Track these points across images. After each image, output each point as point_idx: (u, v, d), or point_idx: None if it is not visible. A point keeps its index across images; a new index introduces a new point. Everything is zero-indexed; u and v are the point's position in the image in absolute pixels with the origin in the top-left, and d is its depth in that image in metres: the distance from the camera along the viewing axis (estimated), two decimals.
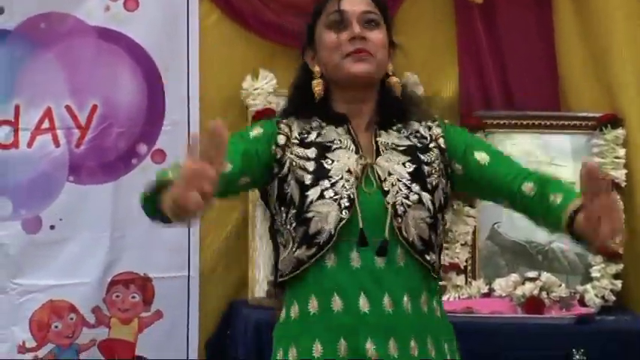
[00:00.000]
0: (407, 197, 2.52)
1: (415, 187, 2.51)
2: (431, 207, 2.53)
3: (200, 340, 4.07)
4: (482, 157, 2.59)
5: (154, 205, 2.26)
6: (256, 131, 2.57)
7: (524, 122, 4.31)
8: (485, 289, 4.09)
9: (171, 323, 4.06)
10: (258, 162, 2.53)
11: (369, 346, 2.53)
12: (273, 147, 2.52)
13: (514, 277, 3.95)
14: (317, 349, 2.53)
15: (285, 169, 2.55)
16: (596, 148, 4.24)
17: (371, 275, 2.51)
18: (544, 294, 3.91)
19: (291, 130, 2.58)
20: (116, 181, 4.01)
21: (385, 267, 2.52)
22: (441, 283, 3.59)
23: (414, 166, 2.54)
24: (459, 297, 4.11)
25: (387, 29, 2.62)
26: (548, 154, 4.28)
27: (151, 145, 4.11)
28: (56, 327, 3.97)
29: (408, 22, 4.14)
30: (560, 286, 3.91)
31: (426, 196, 2.52)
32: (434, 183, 2.56)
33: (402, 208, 2.50)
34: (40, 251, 4.04)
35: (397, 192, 2.53)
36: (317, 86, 2.56)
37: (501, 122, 4.27)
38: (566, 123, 4.30)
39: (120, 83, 4.04)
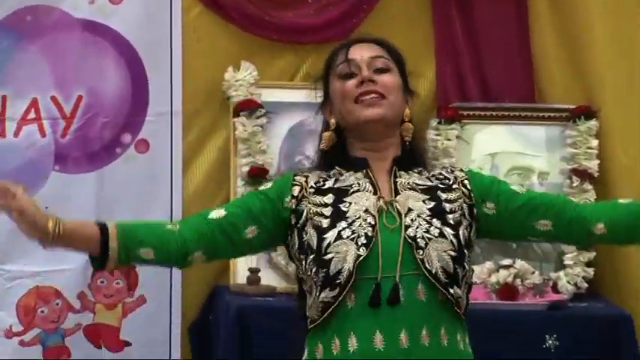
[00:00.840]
0: (427, 231, 2.45)
1: (436, 222, 2.44)
2: (454, 240, 2.44)
3: (183, 325, 4.10)
4: (516, 187, 2.57)
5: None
6: (268, 185, 2.55)
7: (500, 113, 4.28)
8: None
9: (155, 308, 4.07)
10: (266, 212, 2.49)
11: None
12: (287, 198, 2.48)
13: (489, 264, 3.94)
14: None
15: (303, 219, 2.50)
16: (570, 138, 4.25)
17: (389, 312, 2.44)
18: (518, 281, 3.92)
19: (307, 181, 2.55)
20: (101, 170, 4.02)
21: (405, 302, 2.43)
22: None
23: (434, 203, 2.49)
24: None
25: (401, 74, 2.55)
26: (523, 145, 4.29)
27: (135, 134, 4.11)
28: (42, 312, 3.98)
29: (386, 16, 4.21)
30: (534, 273, 3.93)
31: (448, 231, 2.45)
32: (456, 219, 2.49)
33: (422, 241, 2.43)
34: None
35: (418, 226, 2.45)
36: (326, 138, 2.53)
37: (477, 114, 4.27)
38: (541, 114, 4.31)
39: (105, 75, 4.04)
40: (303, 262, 2.49)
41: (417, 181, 2.51)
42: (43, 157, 4.08)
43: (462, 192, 2.51)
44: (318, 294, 2.44)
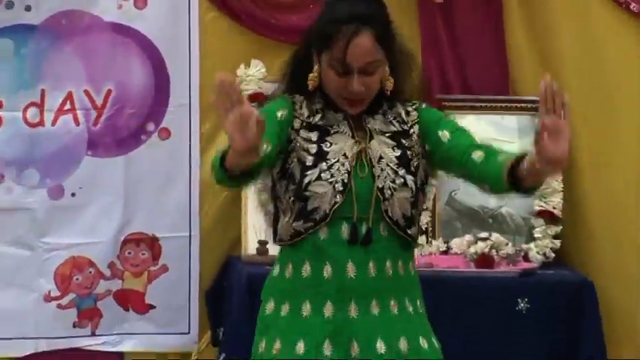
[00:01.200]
0: (393, 181, 2.66)
1: (401, 171, 2.66)
2: (414, 187, 2.67)
3: (200, 290, 4.29)
4: (444, 134, 2.70)
5: (220, 171, 2.36)
6: (281, 112, 2.66)
7: (478, 105, 4.47)
8: (443, 248, 4.30)
9: (176, 276, 4.27)
10: (283, 130, 2.65)
11: (353, 307, 2.69)
12: (290, 129, 2.66)
13: (468, 237, 4.16)
14: (306, 308, 2.69)
15: (290, 147, 2.68)
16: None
17: (360, 247, 2.67)
18: (494, 252, 4.12)
19: (302, 113, 2.71)
20: (127, 154, 4.22)
21: (374, 238, 2.68)
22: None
23: (400, 151, 2.69)
24: (421, 254, 4.23)
25: (388, 52, 2.67)
26: (498, 132, 4.43)
27: (158, 123, 4.28)
28: (77, 279, 4.18)
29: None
30: (508, 244, 4.14)
31: (409, 179, 2.66)
32: (415, 164, 2.70)
33: (389, 191, 2.65)
34: (63, 215, 4.26)
35: (386, 176, 2.67)
36: (312, 80, 2.66)
37: (458, 105, 4.43)
38: (514, 105, 4.51)
39: (131, 71, 4.24)
40: (283, 187, 2.69)
41: (383, 127, 2.72)
42: (77, 143, 4.25)
43: (416, 135, 2.73)
44: (291, 221, 2.66)
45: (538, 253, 4.20)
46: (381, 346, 2.73)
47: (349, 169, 2.62)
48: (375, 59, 2.59)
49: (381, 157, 2.67)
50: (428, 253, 4.38)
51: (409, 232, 2.68)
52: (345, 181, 2.63)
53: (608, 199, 4.60)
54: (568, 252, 4.38)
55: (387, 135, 2.72)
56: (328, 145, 2.65)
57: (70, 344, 4.28)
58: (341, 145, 2.66)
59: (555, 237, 4.24)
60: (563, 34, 4.54)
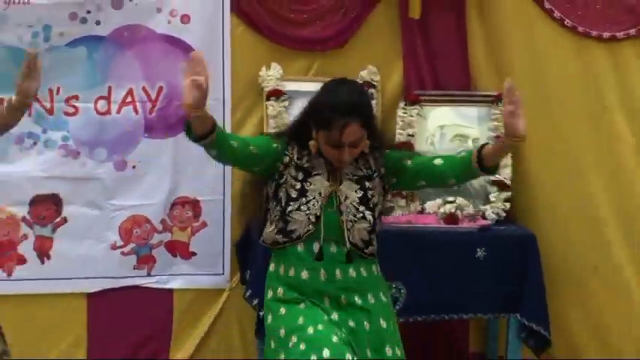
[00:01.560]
0: (355, 215, 3.25)
1: (361, 208, 3.27)
2: (371, 219, 3.26)
3: (231, 242, 4.69)
4: (407, 162, 3.30)
5: (187, 131, 3.02)
6: (276, 145, 3.22)
7: (446, 98, 4.87)
8: (419, 209, 4.67)
9: (213, 230, 4.68)
10: (269, 154, 3.19)
11: (327, 300, 3.27)
12: (279, 162, 3.21)
13: (438, 200, 4.62)
14: (293, 295, 3.26)
15: (282, 181, 3.24)
16: (494, 115, 4.79)
17: (327, 260, 3.23)
18: (458, 212, 4.59)
19: (293, 154, 3.25)
20: (175, 137, 4.57)
21: (337, 254, 3.24)
22: (390, 204, 4.30)
23: (362, 192, 3.29)
24: (402, 214, 4.64)
25: (368, 126, 3.19)
26: (462, 120, 4.85)
27: None
28: (136, 232, 4.57)
29: (369, 33, 4.74)
30: (469, 206, 4.62)
31: (368, 213, 3.27)
32: (374, 202, 3.29)
33: (350, 223, 3.23)
34: (126, 183, 4.62)
35: (349, 212, 3.25)
36: (314, 147, 3.19)
37: (431, 98, 4.84)
38: (474, 98, 4.88)
39: (177, 72, 4.47)
40: (273, 205, 3.29)
41: (353, 171, 3.30)
42: (136, 128, 4.62)
43: (379, 178, 3.31)
44: (274, 233, 3.27)
45: (493, 213, 4.62)
46: (361, 325, 3.25)
47: (322, 206, 3.24)
48: (361, 137, 3.15)
49: (346, 197, 3.27)
50: (408, 212, 4.72)
51: (366, 251, 3.28)
52: (318, 214, 3.23)
53: (548, 173, 4.90)
54: (516, 212, 4.76)
55: (354, 179, 3.29)
56: (309, 184, 3.25)
57: (130, 282, 4.67)
58: (318, 186, 3.25)
59: (506, 200, 4.65)
60: (513, 47, 4.86)
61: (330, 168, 3.35)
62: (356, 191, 3.34)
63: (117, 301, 4.69)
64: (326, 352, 3.12)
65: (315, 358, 3.16)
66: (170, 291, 4.71)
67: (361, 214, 3.30)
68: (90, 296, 4.63)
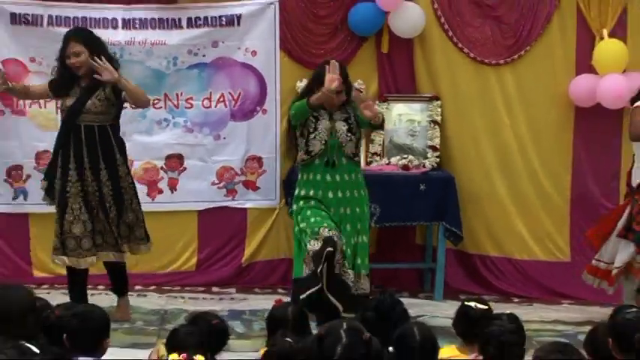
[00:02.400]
0: (344, 138, 4.48)
1: (349, 135, 4.52)
2: (354, 139, 4.53)
3: (280, 180, 5.77)
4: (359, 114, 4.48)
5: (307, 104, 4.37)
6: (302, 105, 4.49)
7: (402, 97, 5.92)
8: (387, 162, 5.72)
9: (269, 174, 5.75)
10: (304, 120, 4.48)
11: (330, 193, 4.46)
12: (307, 119, 4.46)
13: (398, 157, 5.69)
14: (309, 193, 4.47)
15: (305, 124, 4.49)
16: (429, 111, 5.80)
17: (335, 175, 4.48)
18: (409, 163, 5.66)
19: (312, 115, 4.48)
20: (248, 120, 5.74)
21: (338, 164, 4.49)
22: (368, 159, 5.59)
23: (347, 125, 4.55)
24: (377, 165, 5.67)
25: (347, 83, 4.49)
26: (411, 111, 5.92)
27: (261, 107, 5.82)
28: (226, 176, 5.73)
29: (360, 59, 5.78)
30: (416, 160, 5.69)
31: (351, 136, 4.52)
32: (354, 130, 4.57)
33: (344, 142, 4.47)
34: (220, 147, 5.75)
35: (342, 137, 4.48)
36: (315, 101, 4.43)
37: (394, 98, 5.87)
38: (418, 98, 5.91)
39: (249, 83, 5.70)
40: (300, 138, 4.49)
41: (340, 116, 4.53)
42: (225, 115, 5.74)
43: (354, 116, 4.52)
44: (302, 154, 4.50)
45: (429, 164, 5.73)
46: (346, 210, 4.60)
47: (327, 135, 4.48)
48: (341, 90, 4.44)
49: (340, 130, 4.53)
50: (379, 164, 5.74)
51: (355, 159, 4.51)
52: (325, 140, 4.49)
53: (460, 145, 5.99)
54: (442, 164, 5.85)
55: (342, 118, 4.56)
56: (319, 124, 4.53)
57: (222, 204, 5.81)
58: (324, 125, 4.54)
59: (437, 157, 5.79)
60: (440, 69, 5.93)
61: (328, 115, 4.55)
62: (344, 125, 4.63)
63: (214, 216, 5.89)
64: (327, 223, 4.48)
65: (321, 224, 4.44)
66: (245, 209, 5.90)
67: (348, 138, 4.61)
68: (199, 213, 5.87)
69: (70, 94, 4.83)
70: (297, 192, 4.70)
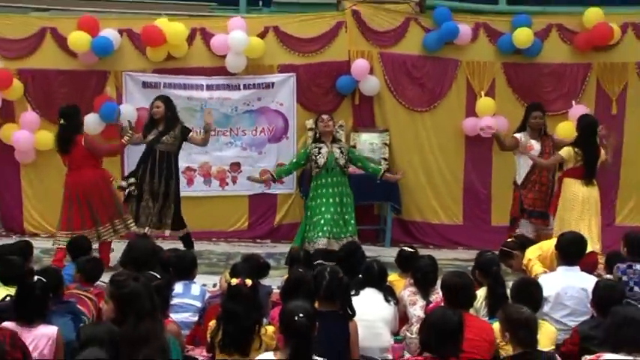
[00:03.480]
0: (340, 163, 6.57)
1: (342, 159, 6.63)
2: (345, 163, 6.63)
3: (296, 179, 7.98)
4: (351, 154, 6.48)
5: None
6: (304, 150, 6.58)
7: (366, 130, 8.12)
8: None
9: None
10: (305, 157, 6.55)
11: (330, 193, 6.49)
12: (310, 154, 6.44)
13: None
14: (316, 193, 6.53)
15: (312, 155, 6.52)
16: (382, 137, 8.05)
17: (333, 178, 6.54)
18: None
19: (312, 146, 6.52)
20: (278, 143, 8.21)
21: (334, 175, 6.59)
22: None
23: (341, 153, 6.62)
24: (352, 169, 7.12)
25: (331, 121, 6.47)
26: (372, 139, 8.19)
27: (286, 136, 8.36)
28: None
29: (342, 106, 8.06)
30: (375, 164, 7.68)
31: (345, 162, 6.66)
32: (346, 157, 6.67)
33: (340, 163, 6.53)
34: (262, 159, 8.18)
35: (338, 161, 6.50)
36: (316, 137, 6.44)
37: (362, 130, 8.12)
38: (375, 130, 8.15)
39: (278, 123, 8.26)
40: (310, 164, 6.59)
41: (336, 147, 6.62)
42: (265, 140, 8.24)
43: (347, 156, 6.66)
44: (312, 171, 6.63)
45: (383, 169, 7.42)
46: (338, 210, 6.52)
47: (327, 158, 6.45)
48: (332, 124, 6.50)
49: (336, 156, 6.51)
50: (354, 168, 7.21)
51: (344, 170, 6.52)
52: (326, 161, 6.48)
53: (404, 161, 8.25)
54: (390, 168, 7.89)
55: (336, 149, 6.52)
56: (322, 153, 6.50)
57: (261, 191, 8.21)
58: (325, 151, 6.50)
59: (387, 164, 7.98)
60: (388, 113, 8.19)
61: (327, 146, 6.26)
62: (339, 155, 6.49)
63: (258, 198, 8.26)
64: (326, 216, 6.31)
65: (319, 217, 6.23)
66: (276, 194, 8.30)
67: (343, 161, 6.49)
68: (249, 197, 8.25)
69: (152, 132, 7.00)
70: (310, 195, 6.71)
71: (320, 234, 6.43)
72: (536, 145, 7.24)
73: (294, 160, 6.88)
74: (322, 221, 6.50)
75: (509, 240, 6.09)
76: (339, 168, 6.61)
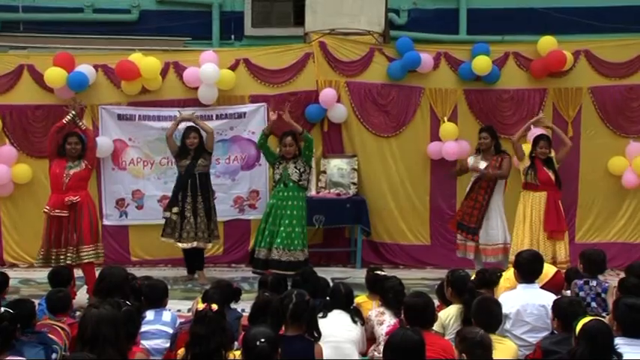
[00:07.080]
0: (295, 177, 6.77)
1: (297, 174, 6.81)
2: (302, 177, 6.77)
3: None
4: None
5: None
6: (273, 160, 6.72)
7: (336, 156, 8.13)
8: (329, 191, 7.96)
9: (262, 200, 7.91)
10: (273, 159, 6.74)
11: (279, 203, 6.74)
12: (275, 163, 6.71)
13: (334, 189, 7.92)
14: (270, 203, 6.82)
15: (275, 166, 6.81)
16: (351, 163, 8.13)
17: (286, 190, 6.76)
18: (341, 192, 7.95)
19: (277, 163, 6.71)
20: (251, 170, 8.10)
21: (289, 188, 6.80)
22: (317, 190, 8.12)
23: (297, 170, 6.81)
24: (317, 192, 7.89)
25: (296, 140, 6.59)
26: (341, 164, 8.19)
27: (258, 163, 8.20)
28: (239, 201, 8.00)
29: (312, 136, 7.65)
30: (345, 190, 7.97)
31: (300, 176, 6.79)
32: (302, 171, 6.79)
33: (294, 178, 6.76)
34: (235, 186, 8.09)
35: (293, 176, 6.72)
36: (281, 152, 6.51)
37: (331, 156, 8.13)
38: (344, 155, 8.16)
39: (251, 150, 8.17)
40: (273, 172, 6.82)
41: (293, 162, 6.80)
42: (238, 168, 8.11)
43: (302, 160, 6.79)
44: (274, 181, 6.82)
45: (351, 191, 7.99)
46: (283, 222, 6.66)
47: (282, 173, 6.72)
48: (294, 144, 6.57)
49: (291, 172, 6.73)
50: (324, 192, 8.00)
51: (300, 184, 6.63)
52: (283, 176, 6.76)
53: (371, 178, 8.16)
54: (360, 191, 8.10)
55: (293, 166, 6.71)
56: (281, 166, 6.78)
57: (237, 217, 8.17)
58: (283, 166, 6.79)
59: (356, 188, 8.07)
60: (357, 142, 8.09)
61: (285, 162, 6.49)
62: (294, 169, 6.68)
63: (232, 224, 8.17)
64: (270, 227, 6.49)
65: (263, 227, 6.50)
66: (249, 220, 8.20)
67: (298, 176, 6.65)
68: (225, 222, 8.05)
69: (186, 158, 7.34)
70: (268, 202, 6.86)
71: (262, 244, 6.77)
72: (482, 165, 7.42)
73: (272, 153, 7.18)
74: (266, 232, 6.80)
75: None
76: (292, 183, 6.83)
